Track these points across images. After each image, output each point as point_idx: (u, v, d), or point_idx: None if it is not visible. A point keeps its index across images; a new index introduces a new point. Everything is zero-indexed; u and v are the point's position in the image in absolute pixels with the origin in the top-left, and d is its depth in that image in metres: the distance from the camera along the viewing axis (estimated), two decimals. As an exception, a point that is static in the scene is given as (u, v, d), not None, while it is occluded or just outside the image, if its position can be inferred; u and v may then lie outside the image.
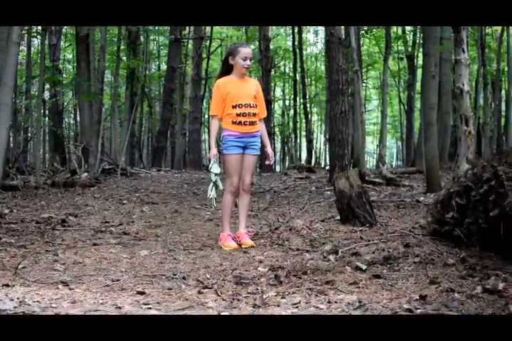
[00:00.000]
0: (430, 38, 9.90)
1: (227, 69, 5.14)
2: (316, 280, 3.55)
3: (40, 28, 12.95)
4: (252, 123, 5.09)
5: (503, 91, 21.67)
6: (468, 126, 6.11)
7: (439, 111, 11.87)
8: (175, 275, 3.82)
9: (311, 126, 26.62)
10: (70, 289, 3.43)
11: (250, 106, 5.05)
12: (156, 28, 21.62)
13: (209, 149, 5.20)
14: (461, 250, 4.18)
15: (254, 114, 5.09)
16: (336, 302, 3.04)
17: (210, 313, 2.90)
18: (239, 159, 5.08)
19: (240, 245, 5.00)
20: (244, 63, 5.00)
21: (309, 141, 23.91)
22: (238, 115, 5.00)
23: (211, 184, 5.08)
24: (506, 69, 18.89)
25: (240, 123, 5.02)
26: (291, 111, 26.80)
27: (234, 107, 5.01)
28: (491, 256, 4.01)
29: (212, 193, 5.07)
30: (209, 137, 5.28)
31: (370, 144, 39.15)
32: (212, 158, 5.04)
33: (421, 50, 12.84)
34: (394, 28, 21.99)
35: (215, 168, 5.05)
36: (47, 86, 18.86)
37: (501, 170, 4.12)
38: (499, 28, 18.41)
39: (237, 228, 5.26)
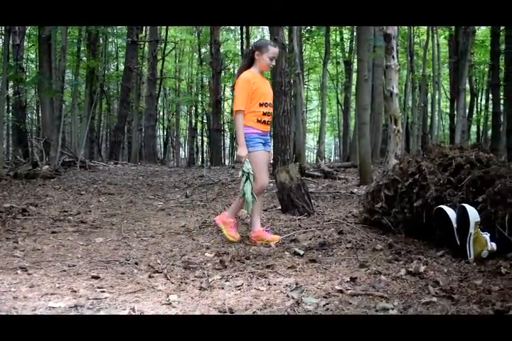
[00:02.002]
0: (364, 46, 10.00)
1: (250, 62, 4.53)
2: (257, 265, 3.56)
3: (3, 28, 12.58)
4: (270, 123, 4.61)
5: (429, 95, 22.17)
6: (397, 126, 6.21)
7: (371, 112, 12.02)
8: (128, 260, 3.78)
9: (257, 123, 26.58)
10: (29, 274, 3.36)
11: (271, 106, 4.54)
12: (115, 30, 21.34)
13: (238, 147, 4.40)
14: (389, 236, 4.27)
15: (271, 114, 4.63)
16: (275, 284, 3.06)
17: (160, 295, 2.88)
18: (266, 155, 4.54)
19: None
20: (270, 62, 4.47)
21: (255, 137, 23.92)
22: (264, 114, 4.43)
23: (249, 186, 4.37)
24: (431, 74, 19.32)
25: (264, 122, 4.45)
26: (239, 110, 26.69)
27: (261, 105, 4.41)
28: (414, 242, 4.11)
29: (253, 197, 4.39)
30: (237, 134, 4.33)
31: (311, 140, 39.54)
32: (245, 158, 4.36)
33: (356, 56, 12.96)
34: (333, 36, 22.19)
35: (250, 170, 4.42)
36: (11, 83, 18.37)
37: (424, 165, 4.22)
38: (425, 37, 18.80)
39: (216, 215, 5.03)
